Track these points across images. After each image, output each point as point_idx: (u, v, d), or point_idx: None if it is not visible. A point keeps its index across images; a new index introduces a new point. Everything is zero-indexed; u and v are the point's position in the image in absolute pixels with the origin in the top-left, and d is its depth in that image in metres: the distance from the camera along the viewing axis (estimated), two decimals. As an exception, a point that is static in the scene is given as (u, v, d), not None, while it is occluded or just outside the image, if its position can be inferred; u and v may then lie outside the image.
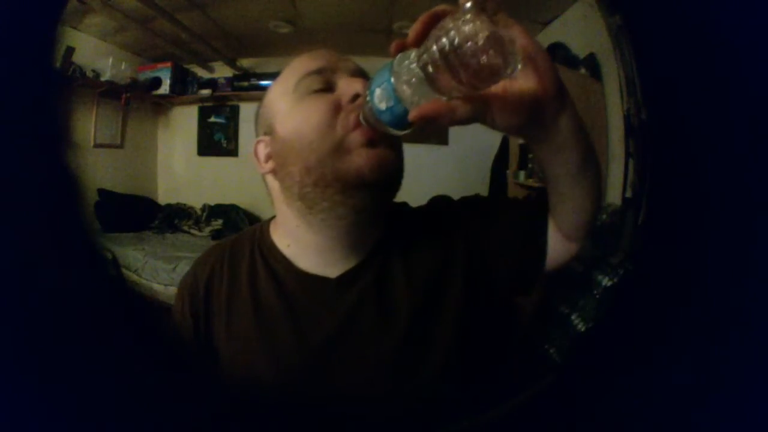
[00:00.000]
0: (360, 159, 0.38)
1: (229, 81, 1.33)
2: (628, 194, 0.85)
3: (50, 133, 0.36)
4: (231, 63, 1.31)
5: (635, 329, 0.43)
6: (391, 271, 0.45)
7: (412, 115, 0.30)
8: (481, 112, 0.30)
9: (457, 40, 0.24)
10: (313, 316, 0.44)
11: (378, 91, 0.32)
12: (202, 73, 1.34)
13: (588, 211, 0.41)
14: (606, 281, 0.87)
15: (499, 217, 0.48)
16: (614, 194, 0.92)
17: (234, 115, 1.36)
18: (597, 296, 0.88)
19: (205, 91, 1.34)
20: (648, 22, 0.41)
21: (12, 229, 0.34)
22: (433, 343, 0.44)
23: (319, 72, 0.41)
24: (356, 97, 0.39)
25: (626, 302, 0.48)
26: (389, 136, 0.39)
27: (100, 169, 1.22)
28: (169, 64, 1.29)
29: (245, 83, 1.32)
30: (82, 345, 0.37)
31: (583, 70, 1.00)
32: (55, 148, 0.36)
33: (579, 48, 1.02)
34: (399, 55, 0.31)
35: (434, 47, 0.26)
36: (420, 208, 0.51)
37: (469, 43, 0.24)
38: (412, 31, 0.29)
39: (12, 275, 0.34)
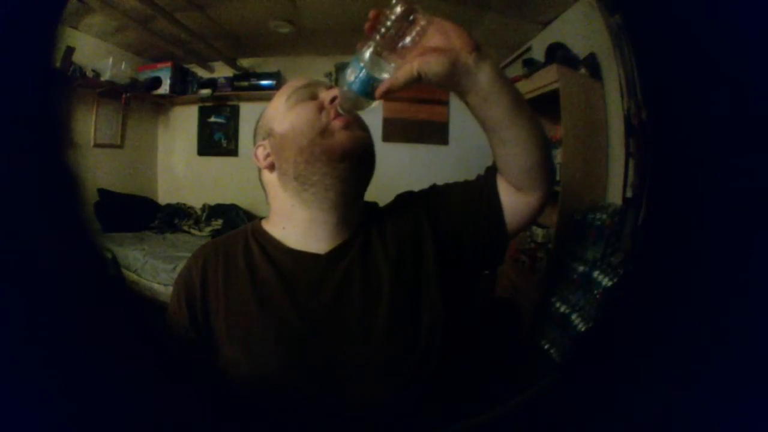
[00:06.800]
0: (341, 136, 0.49)
1: (229, 81, 1.33)
2: (628, 194, 0.85)
3: (50, 133, 0.37)
4: (231, 63, 1.31)
5: (635, 329, 0.43)
6: (372, 247, 0.53)
7: (377, 93, 0.43)
8: (412, 75, 0.41)
9: (388, 22, 0.41)
10: (308, 289, 0.50)
11: (348, 70, 0.45)
12: (202, 73, 1.34)
13: (531, 154, 0.47)
14: (606, 281, 0.87)
15: (453, 193, 0.57)
16: (614, 194, 0.93)
17: (234, 114, 1.36)
18: (597, 296, 0.88)
19: (205, 91, 1.34)
20: (648, 22, 0.41)
21: (12, 228, 0.34)
22: (419, 310, 0.50)
23: (304, 87, 0.53)
24: (334, 99, 0.49)
25: (626, 302, 0.48)
26: (361, 122, 0.52)
27: (100, 169, 1.22)
28: (169, 64, 1.29)
29: (245, 83, 1.32)
30: (82, 345, 0.37)
31: (583, 70, 1.00)
32: (55, 148, 0.37)
33: (579, 48, 1.02)
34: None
35: (381, 28, 0.41)
36: (388, 203, 0.60)
37: (393, 17, 0.40)
38: (366, 24, 0.42)
39: (12, 275, 0.34)
